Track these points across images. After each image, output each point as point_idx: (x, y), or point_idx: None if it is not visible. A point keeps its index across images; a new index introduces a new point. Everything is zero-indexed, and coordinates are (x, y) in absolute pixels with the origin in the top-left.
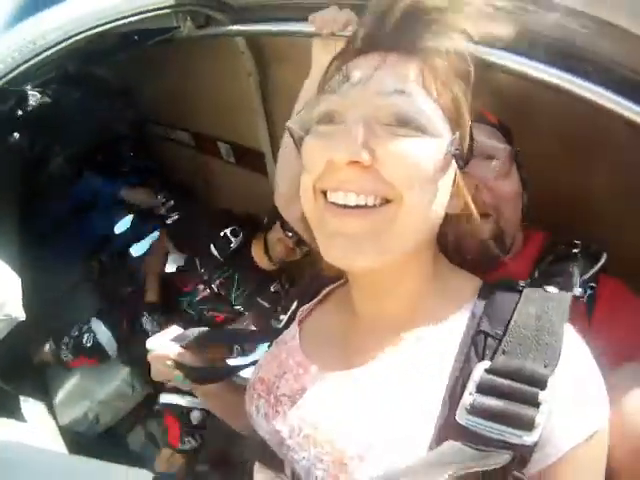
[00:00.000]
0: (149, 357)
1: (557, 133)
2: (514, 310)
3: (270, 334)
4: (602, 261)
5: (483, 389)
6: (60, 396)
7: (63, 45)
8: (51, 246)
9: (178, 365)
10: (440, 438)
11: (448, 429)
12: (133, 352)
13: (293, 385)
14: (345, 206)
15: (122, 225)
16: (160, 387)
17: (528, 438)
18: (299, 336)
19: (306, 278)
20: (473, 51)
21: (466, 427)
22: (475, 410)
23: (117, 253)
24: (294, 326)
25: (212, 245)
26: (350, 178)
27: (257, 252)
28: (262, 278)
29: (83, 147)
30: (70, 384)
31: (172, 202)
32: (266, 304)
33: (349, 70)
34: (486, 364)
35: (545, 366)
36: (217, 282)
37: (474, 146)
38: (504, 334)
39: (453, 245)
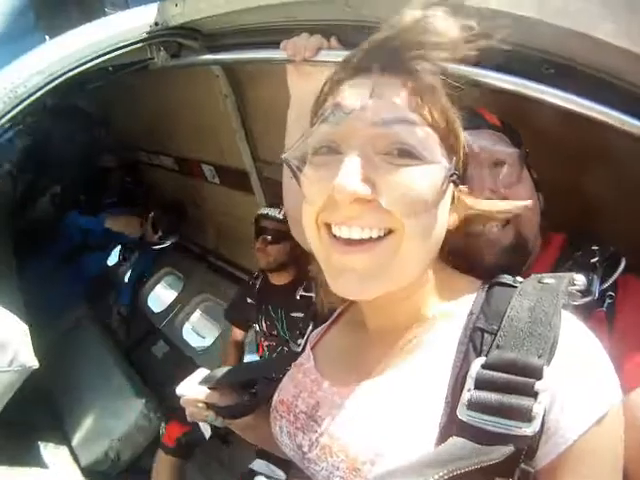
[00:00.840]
0: (181, 402)
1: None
2: (509, 305)
3: (290, 359)
4: (621, 268)
5: (480, 384)
6: (78, 437)
7: (45, 90)
8: (49, 289)
9: (209, 406)
10: (444, 436)
11: (451, 426)
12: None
13: (309, 402)
14: (349, 240)
15: (113, 257)
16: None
17: (528, 429)
18: (313, 357)
19: (319, 301)
20: (458, 70)
21: (467, 423)
22: (474, 405)
23: (132, 299)
24: (307, 348)
25: (247, 298)
26: (354, 214)
27: (270, 274)
28: (286, 293)
29: (69, 180)
30: (87, 424)
31: (160, 232)
32: (300, 314)
33: (342, 97)
34: (482, 360)
35: (539, 356)
36: (264, 327)
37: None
38: (499, 329)
39: (471, 258)
